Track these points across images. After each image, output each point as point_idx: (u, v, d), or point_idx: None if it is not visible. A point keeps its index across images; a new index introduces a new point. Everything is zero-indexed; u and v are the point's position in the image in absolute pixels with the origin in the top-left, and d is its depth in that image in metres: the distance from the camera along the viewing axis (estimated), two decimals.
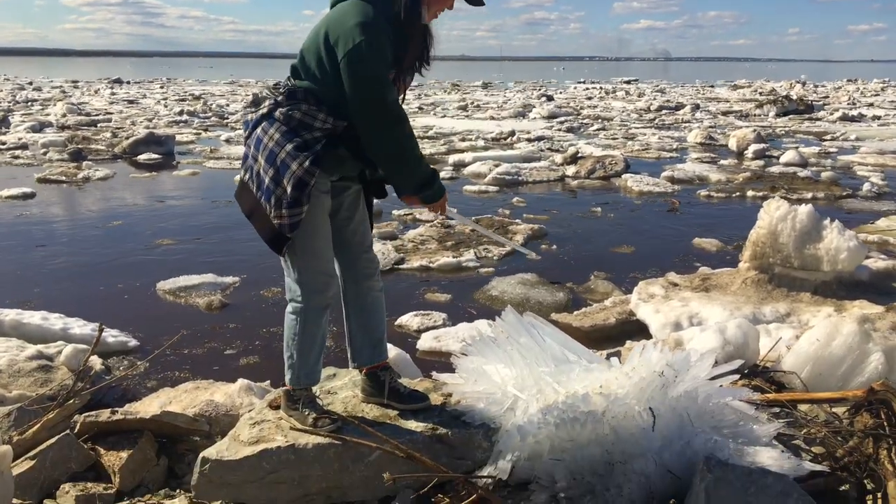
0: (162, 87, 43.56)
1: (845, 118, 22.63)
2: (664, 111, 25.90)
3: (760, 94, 34.33)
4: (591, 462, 2.51)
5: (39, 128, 18.60)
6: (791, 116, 23.68)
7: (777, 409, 3.00)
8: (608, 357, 3.15)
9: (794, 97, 26.71)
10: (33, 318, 5.13)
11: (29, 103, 28.01)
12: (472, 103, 29.38)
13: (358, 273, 2.85)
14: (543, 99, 31.91)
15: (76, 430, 2.96)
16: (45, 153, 14.54)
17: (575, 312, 5.54)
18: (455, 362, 3.01)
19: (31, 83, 46.08)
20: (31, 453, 2.76)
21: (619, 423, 2.54)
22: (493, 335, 2.96)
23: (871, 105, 28.42)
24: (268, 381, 4.02)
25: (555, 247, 7.58)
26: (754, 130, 15.98)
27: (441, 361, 4.40)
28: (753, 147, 14.60)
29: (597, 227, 8.68)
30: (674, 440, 2.53)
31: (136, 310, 5.78)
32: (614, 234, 8.25)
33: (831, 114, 23.91)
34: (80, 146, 15.05)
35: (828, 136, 18.00)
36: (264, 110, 2.61)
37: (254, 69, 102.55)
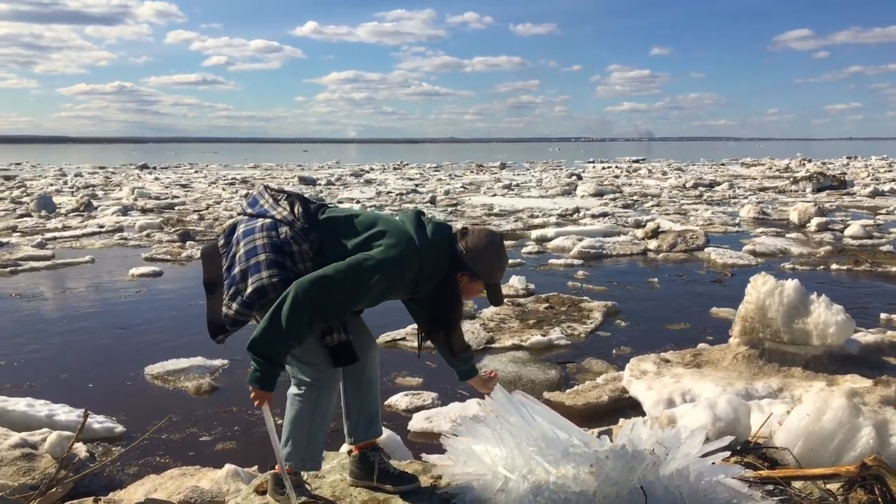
0: (196, 172, 44.19)
1: (877, 193, 23.15)
2: (700, 188, 26.59)
3: (778, 171, 35.86)
4: None
5: (124, 211, 19.31)
6: (828, 192, 24.17)
7: (771, 487, 2.97)
8: (599, 435, 3.12)
9: (828, 174, 27.43)
10: (18, 404, 5.05)
11: (89, 188, 28.55)
12: (512, 183, 29.98)
13: (355, 345, 2.83)
14: (574, 178, 32.90)
15: None
16: (147, 235, 15.08)
17: (567, 391, 5.51)
18: (445, 443, 2.98)
19: (60, 170, 46.75)
20: None
21: (610, 502, 2.51)
22: (483, 415, 2.94)
23: (894, 181, 29.06)
24: (255, 467, 3.95)
25: (627, 323, 7.61)
26: (815, 204, 16.41)
27: (433, 443, 4.33)
28: (816, 220, 14.88)
29: (651, 301, 8.75)
30: None
31: (125, 395, 5.70)
32: (666, 308, 8.34)
33: (863, 189, 24.43)
34: (182, 228, 15.66)
35: (883, 210, 18.52)
36: (277, 216, 2.68)
37: (257, 154, 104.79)
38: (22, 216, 18.55)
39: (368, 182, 32.48)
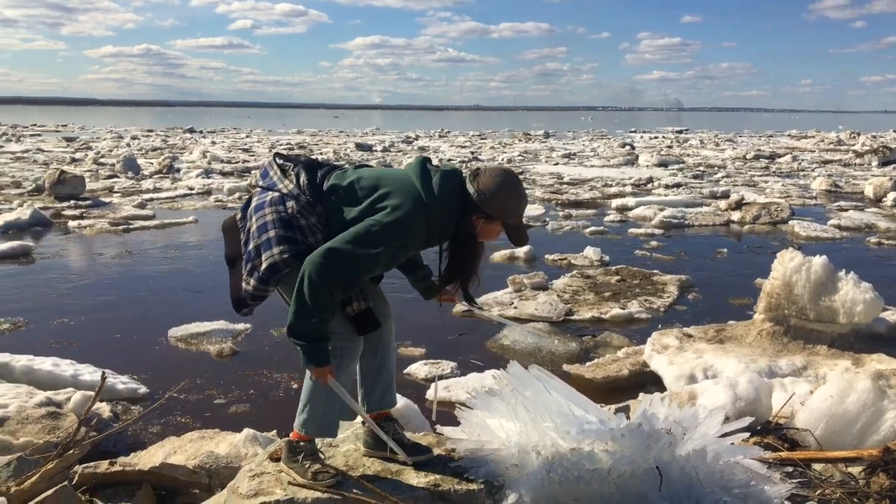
0: (247, 137, 44.34)
1: None
2: (762, 160, 26.40)
3: (832, 144, 35.80)
4: None
5: (206, 174, 19.66)
6: (894, 166, 23.56)
7: (790, 469, 2.92)
8: (616, 412, 3.09)
9: (893, 147, 26.69)
10: (44, 364, 5.14)
11: (157, 151, 29.00)
12: (570, 153, 29.70)
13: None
14: (627, 147, 32.82)
15: (75, 482, 2.93)
16: (239, 197, 15.46)
17: (587, 364, 5.48)
18: (459, 416, 2.97)
19: (112, 131, 47.39)
20: None
21: (625, 481, 2.48)
22: (498, 388, 2.91)
23: None
24: (273, 431, 3.98)
25: (701, 297, 7.56)
26: (890, 179, 16.18)
27: (450, 412, 4.33)
28: (893, 195, 14.75)
29: (722, 275, 8.70)
30: (682, 500, 2.46)
31: (148, 357, 5.78)
32: (735, 282, 8.26)
33: None
34: None
35: None
36: (284, 189, 2.64)
37: (285, 118, 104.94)
38: (110, 177, 18.89)
39: (422, 149, 32.44)
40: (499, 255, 9.29)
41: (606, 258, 9.17)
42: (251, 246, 2.60)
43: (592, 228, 11.70)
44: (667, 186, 17.59)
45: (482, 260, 2.79)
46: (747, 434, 2.85)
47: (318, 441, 2.82)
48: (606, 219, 12.82)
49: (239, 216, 2.73)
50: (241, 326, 6.34)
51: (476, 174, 2.64)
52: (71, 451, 2.97)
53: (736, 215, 12.75)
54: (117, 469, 2.96)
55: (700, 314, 6.89)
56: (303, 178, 2.66)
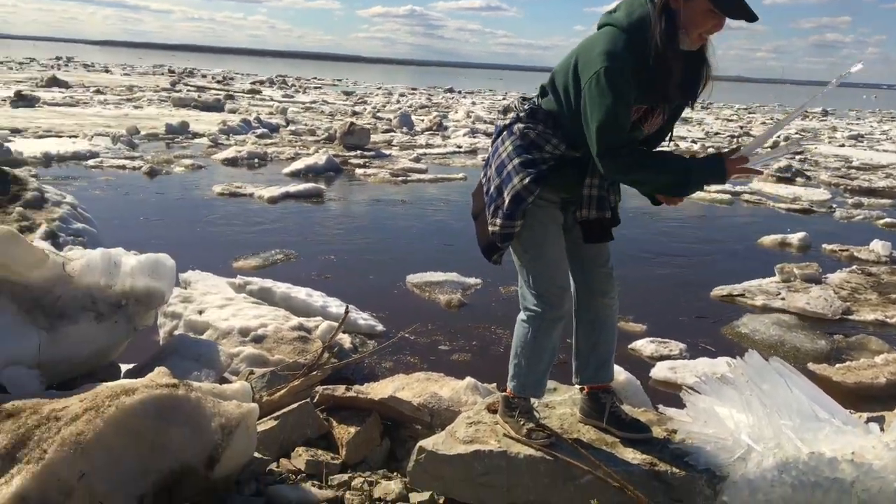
0: (503, 99, 45.25)
1: None
2: None
3: None
4: None
5: (472, 133, 21.00)
6: None
7: None
8: (867, 421, 2.75)
9: None
10: (299, 293, 5.67)
11: (424, 108, 31.08)
12: (857, 135, 27.30)
13: (592, 287, 2.77)
14: None
15: (315, 400, 3.22)
16: None
17: (837, 366, 4.95)
18: (685, 398, 2.81)
19: (379, 88, 51.16)
20: (275, 414, 3.06)
21: (870, 497, 2.21)
22: (732, 376, 2.71)
23: None
24: (494, 384, 4.08)
25: None
26: None
27: (673, 394, 4.16)
28: None
29: None
30: None
31: (387, 297, 6.18)
32: None
33: None
34: None
35: None
36: (507, 121, 2.67)
37: (536, 82, 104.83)
38: (387, 131, 20.50)
39: (684, 120, 31.24)
40: (769, 240, 8.61)
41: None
42: (492, 188, 2.63)
43: (887, 220, 10.49)
44: None
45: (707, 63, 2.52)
46: None
47: (534, 401, 2.84)
48: None
49: (483, 178, 2.78)
50: (472, 281, 6.55)
51: None
52: (314, 373, 3.28)
53: None
54: (352, 395, 3.21)
55: None
56: (517, 102, 2.70)
